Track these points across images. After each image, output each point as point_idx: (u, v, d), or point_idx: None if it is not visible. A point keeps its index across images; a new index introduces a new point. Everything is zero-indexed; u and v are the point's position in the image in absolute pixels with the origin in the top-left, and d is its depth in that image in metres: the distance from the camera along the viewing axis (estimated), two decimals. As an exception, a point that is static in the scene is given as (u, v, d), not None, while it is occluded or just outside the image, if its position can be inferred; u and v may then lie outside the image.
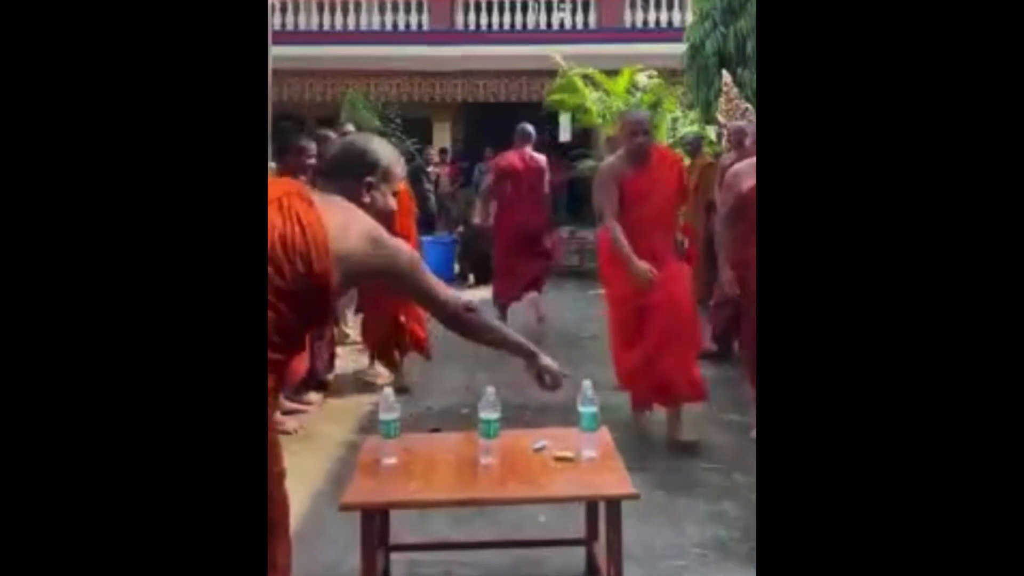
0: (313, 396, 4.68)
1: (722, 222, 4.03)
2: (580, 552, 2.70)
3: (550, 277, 7.09)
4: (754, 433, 3.61)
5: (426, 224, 8.84)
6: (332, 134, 5.10)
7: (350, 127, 6.87)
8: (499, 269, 6.81)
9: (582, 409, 2.34)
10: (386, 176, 2.03)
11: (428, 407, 4.48)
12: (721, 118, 7.69)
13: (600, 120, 9.85)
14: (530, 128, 6.69)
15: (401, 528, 2.66)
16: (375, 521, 2.27)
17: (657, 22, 13.01)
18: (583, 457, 2.31)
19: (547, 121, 11.47)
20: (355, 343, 5.73)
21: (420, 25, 13.39)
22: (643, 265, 3.77)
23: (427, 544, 2.78)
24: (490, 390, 2.34)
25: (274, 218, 1.81)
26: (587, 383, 2.38)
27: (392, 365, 4.98)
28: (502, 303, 6.57)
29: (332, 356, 5.05)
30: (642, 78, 9.86)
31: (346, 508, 2.13)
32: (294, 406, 4.46)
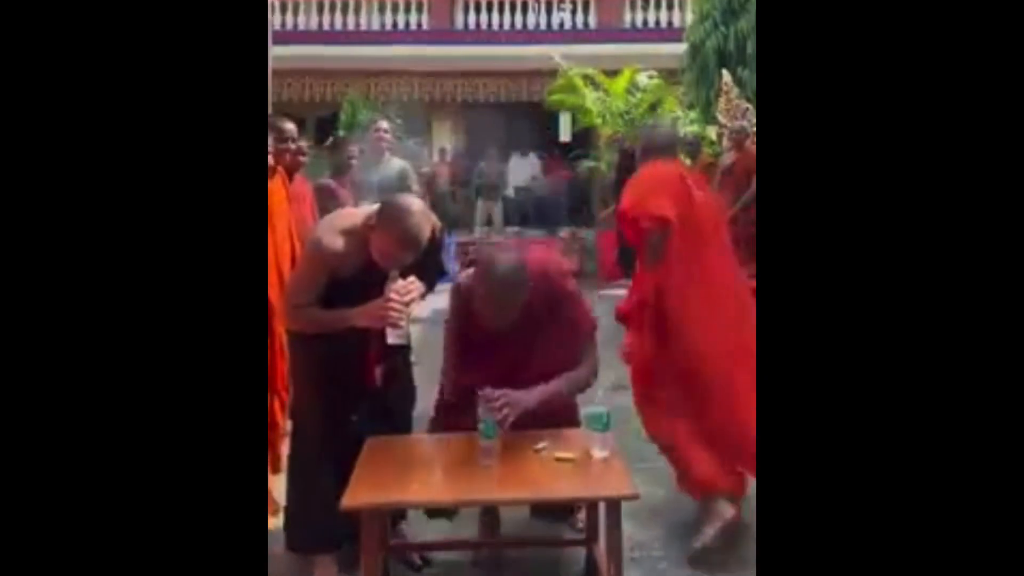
0: None
1: None
2: (580, 553, 2.69)
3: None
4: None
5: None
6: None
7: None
8: None
9: (589, 409, 2.32)
10: None
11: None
12: (721, 118, 7.68)
13: (600, 120, 9.83)
14: None
15: (401, 528, 2.66)
16: (376, 522, 2.27)
17: (657, 22, 12.99)
18: (595, 456, 2.27)
19: (547, 121, 11.46)
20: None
21: (420, 25, 13.37)
22: None
23: (427, 544, 2.77)
24: (490, 390, 2.33)
25: None
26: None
27: None
28: None
29: None
30: (642, 78, 9.84)
31: (347, 509, 2.12)
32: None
